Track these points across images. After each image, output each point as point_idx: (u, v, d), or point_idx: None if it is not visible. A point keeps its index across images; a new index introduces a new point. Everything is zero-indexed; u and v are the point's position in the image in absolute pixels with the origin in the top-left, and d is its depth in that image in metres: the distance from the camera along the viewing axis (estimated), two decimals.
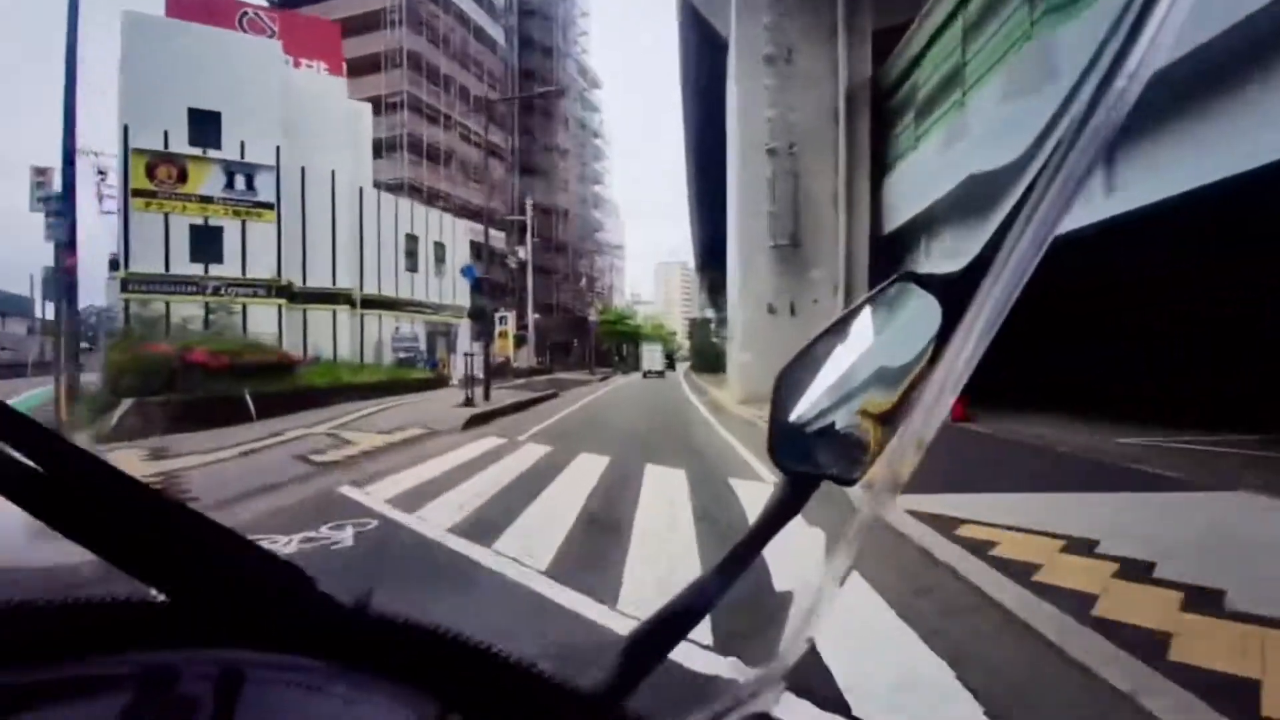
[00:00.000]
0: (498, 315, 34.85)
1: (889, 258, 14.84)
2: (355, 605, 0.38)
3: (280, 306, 20.49)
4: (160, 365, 11.29)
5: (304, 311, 22.13)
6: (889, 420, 0.43)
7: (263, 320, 19.80)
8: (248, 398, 12.00)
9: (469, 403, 14.40)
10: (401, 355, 25.90)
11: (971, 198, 10.33)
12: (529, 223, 42.28)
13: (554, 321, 52.33)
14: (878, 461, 0.42)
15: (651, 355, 42.99)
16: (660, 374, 40.44)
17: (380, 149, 40.27)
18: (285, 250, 21.19)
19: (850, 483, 0.44)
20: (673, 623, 0.41)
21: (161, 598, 0.35)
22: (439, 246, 30.27)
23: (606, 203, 74.17)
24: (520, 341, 38.02)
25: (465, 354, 15.48)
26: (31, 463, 0.32)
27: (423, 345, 27.73)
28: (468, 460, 7.64)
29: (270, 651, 0.36)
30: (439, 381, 21.84)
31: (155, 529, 0.34)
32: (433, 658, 0.37)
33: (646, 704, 0.39)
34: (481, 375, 16.08)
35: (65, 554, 0.40)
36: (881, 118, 15.05)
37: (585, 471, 6.84)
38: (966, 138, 10.56)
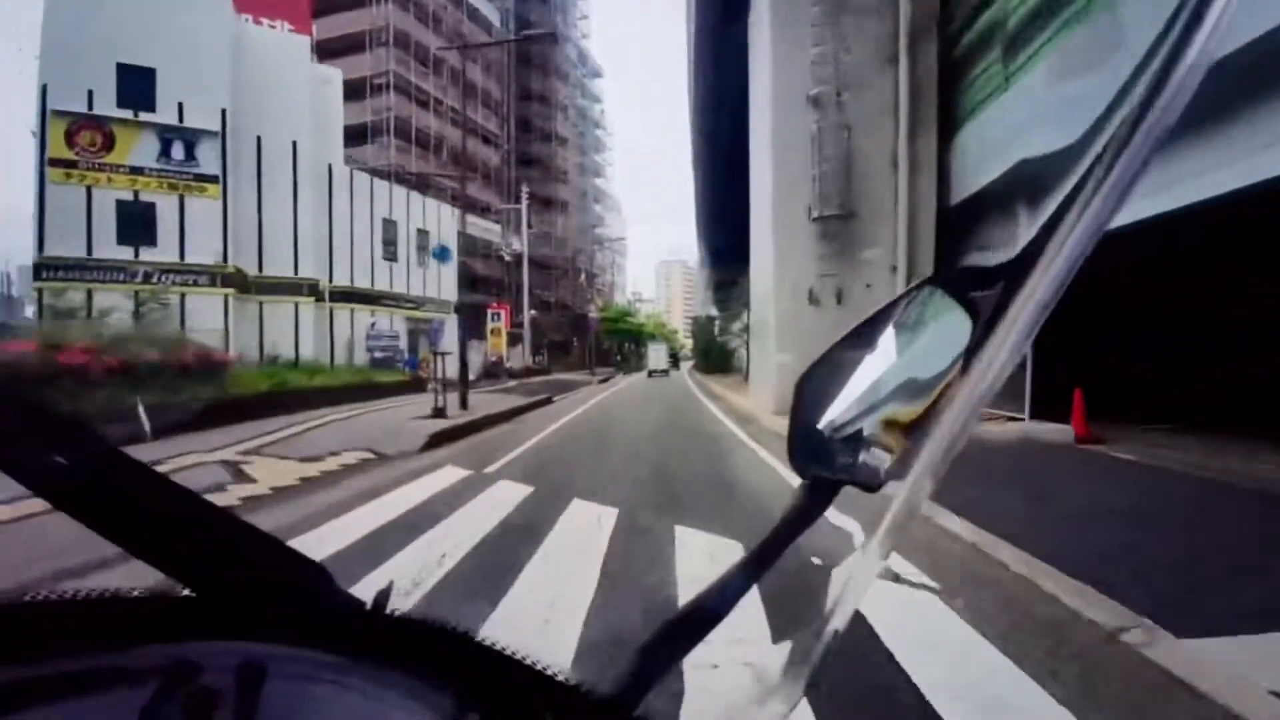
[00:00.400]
0: (490, 311, 31.97)
1: (959, 232, 11.88)
2: (375, 603, 0.39)
3: (227, 297, 17.52)
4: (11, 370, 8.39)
5: (259, 304, 19.19)
6: (917, 427, 0.42)
7: (207, 314, 16.86)
8: (141, 410, 9.04)
9: (439, 413, 11.47)
10: (377, 355, 22.97)
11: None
12: (524, 212, 39.35)
13: (552, 319, 49.40)
14: (905, 468, 0.40)
15: (657, 354, 43.29)
16: (665, 373, 40.72)
17: (367, 134, 37.48)
18: (236, 233, 18.23)
19: (873, 489, 0.42)
20: (688, 627, 0.41)
21: (186, 591, 0.36)
22: (422, 234, 27.28)
23: (608, 197, 71.21)
24: (515, 339, 35.08)
25: (437, 352, 12.53)
26: (58, 458, 0.33)
27: (403, 343, 24.78)
28: (403, 513, 4.82)
29: (291, 646, 0.36)
30: (416, 385, 18.86)
31: (180, 524, 0.35)
32: (451, 657, 0.37)
33: (662, 706, 0.41)
34: (471, 378, 13.09)
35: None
36: (952, 57, 12.08)
37: (579, 540, 4.01)
38: (1092, 68, 7.60)
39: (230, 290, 17.53)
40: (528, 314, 35.28)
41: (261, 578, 0.37)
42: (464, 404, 13.31)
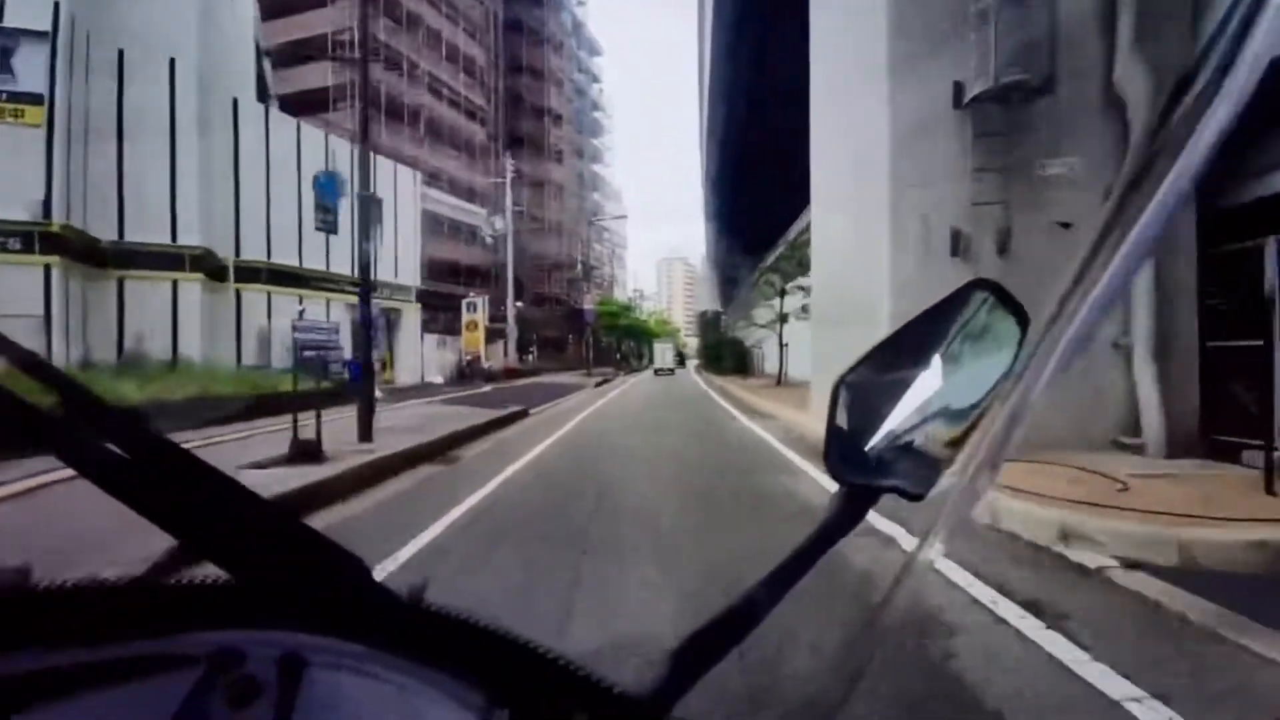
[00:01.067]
0: (465, 302, 26.73)
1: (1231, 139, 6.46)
2: (410, 597, 0.39)
3: (48, 267, 12.11)
4: None
5: (119, 281, 13.84)
6: (965, 435, 0.42)
7: (16, 288, 11.50)
8: None
9: (304, 455, 6.22)
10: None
11: None
12: (507, 188, 33.99)
13: (544, 313, 44.00)
14: (952, 476, 0.40)
15: (663, 353, 43.02)
16: (670, 371, 40.24)
17: (330, 101, 32.15)
18: (78, 180, 12.87)
19: (918, 498, 0.42)
20: (724, 631, 0.41)
21: (227, 580, 0.37)
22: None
23: (606, 184, 65.83)
24: (496, 335, 29.77)
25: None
26: (116, 449, 0.34)
27: (344, 339, 19.35)
28: None
29: (329, 637, 0.37)
30: (332, 397, 13.47)
31: (228, 514, 0.36)
32: (484, 652, 0.38)
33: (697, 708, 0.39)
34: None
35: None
36: None
37: None
38: None
39: (56, 259, 12.10)
40: (512, 305, 29.92)
41: (301, 569, 0.37)
42: (365, 434, 7.96)
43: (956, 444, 0.42)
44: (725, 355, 35.69)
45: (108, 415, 0.35)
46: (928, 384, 0.45)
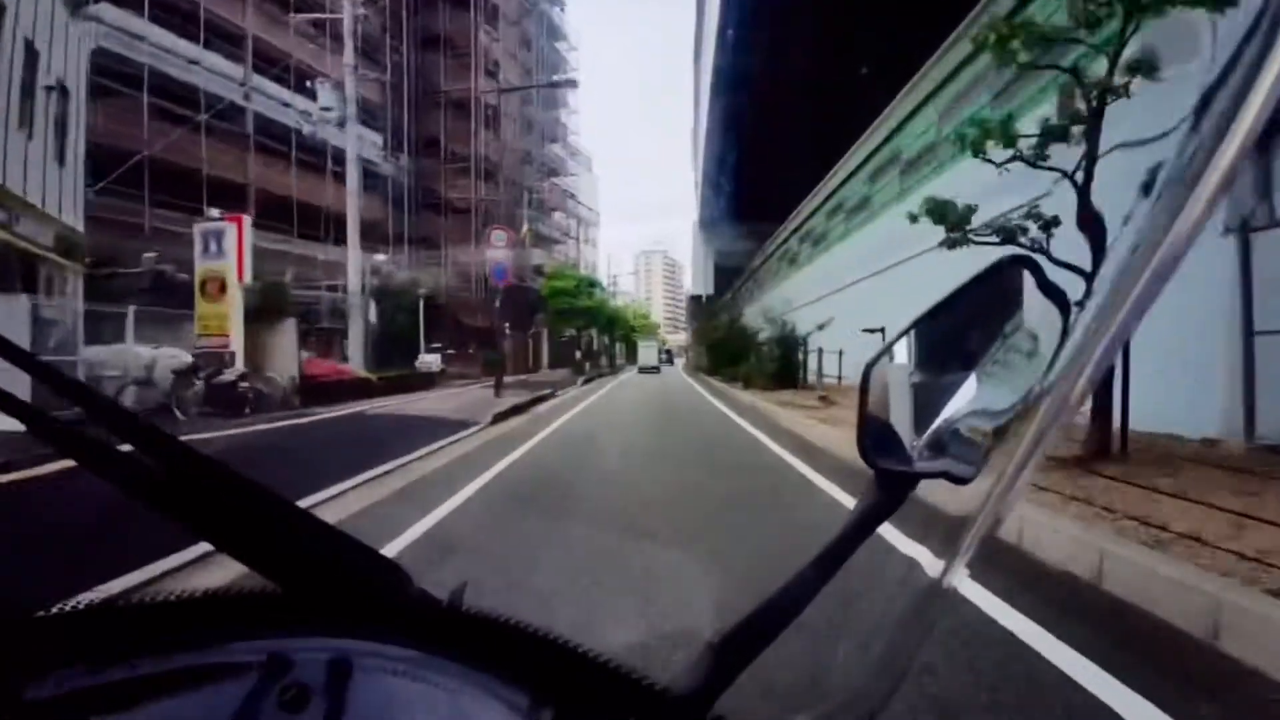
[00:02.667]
0: (201, 232, 12.66)
1: None
2: (451, 600, 0.40)
3: None
4: None
5: None
6: (1005, 417, 0.40)
7: None
8: None
9: None
10: None
11: None
12: (385, 85, 20.22)
13: (471, 296, 30.39)
14: (992, 463, 0.39)
15: (647, 351, 39.95)
16: (655, 369, 37.04)
17: None
18: None
19: (964, 482, 0.40)
20: (763, 624, 0.41)
21: (274, 589, 0.38)
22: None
23: (571, 132, 51.88)
24: (311, 322, 16.17)
25: None
26: (153, 463, 0.36)
27: None
28: None
29: (374, 641, 0.38)
30: None
31: (270, 526, 0.37)
32: (526, 652, 0.38)
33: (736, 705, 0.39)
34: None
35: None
36: None
37: None
38: None
39: None
40: (357, 264, 16.08)
41: (344, 575, 0.38)
42: None
43: (998, 429, 0.40)
44: (731, 354, 22.45)
45: (146, 432, 0.36)
46: (964, 369, 0.43)
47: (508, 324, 28.69)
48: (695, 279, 53.00)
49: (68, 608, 0.37)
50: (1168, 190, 0.26)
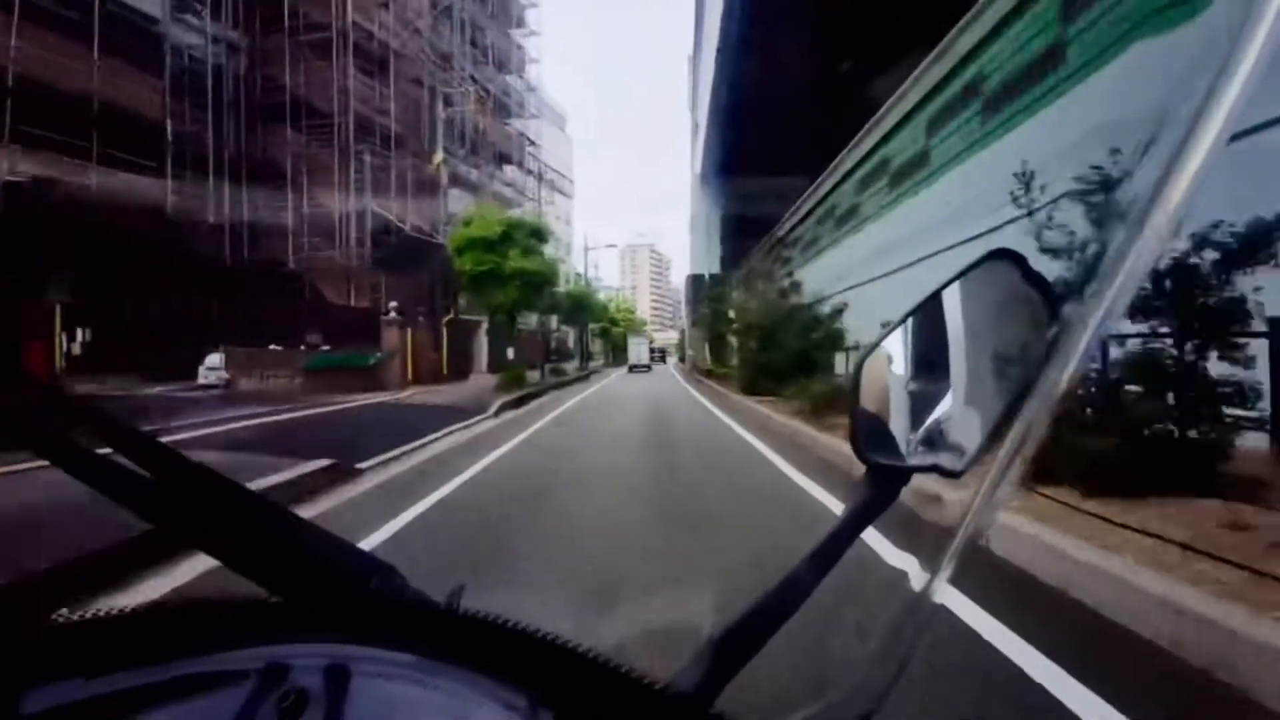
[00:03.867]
0: None
1: None
2: (448, 603, 0.40)
3: None
4: None
5: None
6: (995, 411, 0.41)
7: None
8: None
9: None
10: None
11: None
12: None
13: (338, 256, 19.20)
14: (982, 459, 0.39)
15: (637, 349, 38.90)
16: (647, 368, 35.79)
17: None
18: None
19: (955, 475, 0.41)
20: (762, 620, 0.41)
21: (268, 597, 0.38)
22: None
23: (533, 73, 40.75)
24: None
25: None
26: (150, 476, 0.36)
27: None
28: None
29: (371, 646, 0.38)
30: None
31: (262, 532, 0.38)
32: (524, 654, 0.38)
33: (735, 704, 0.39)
34: None
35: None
36: None
37: None
38: None
39: None
40: None
41: (340, 580, 0.38)
42: None
43: (987, 423, 0.40)
44: (763, 355, 12.32)
45: (133, 439, 0.35)
46: (953, 362, 0.44)
47: (396, 303, 17.58)
48: (695, 255, 42.03)
49: (62, 618, 0.37)
50: (1147, 189, 0.26)
